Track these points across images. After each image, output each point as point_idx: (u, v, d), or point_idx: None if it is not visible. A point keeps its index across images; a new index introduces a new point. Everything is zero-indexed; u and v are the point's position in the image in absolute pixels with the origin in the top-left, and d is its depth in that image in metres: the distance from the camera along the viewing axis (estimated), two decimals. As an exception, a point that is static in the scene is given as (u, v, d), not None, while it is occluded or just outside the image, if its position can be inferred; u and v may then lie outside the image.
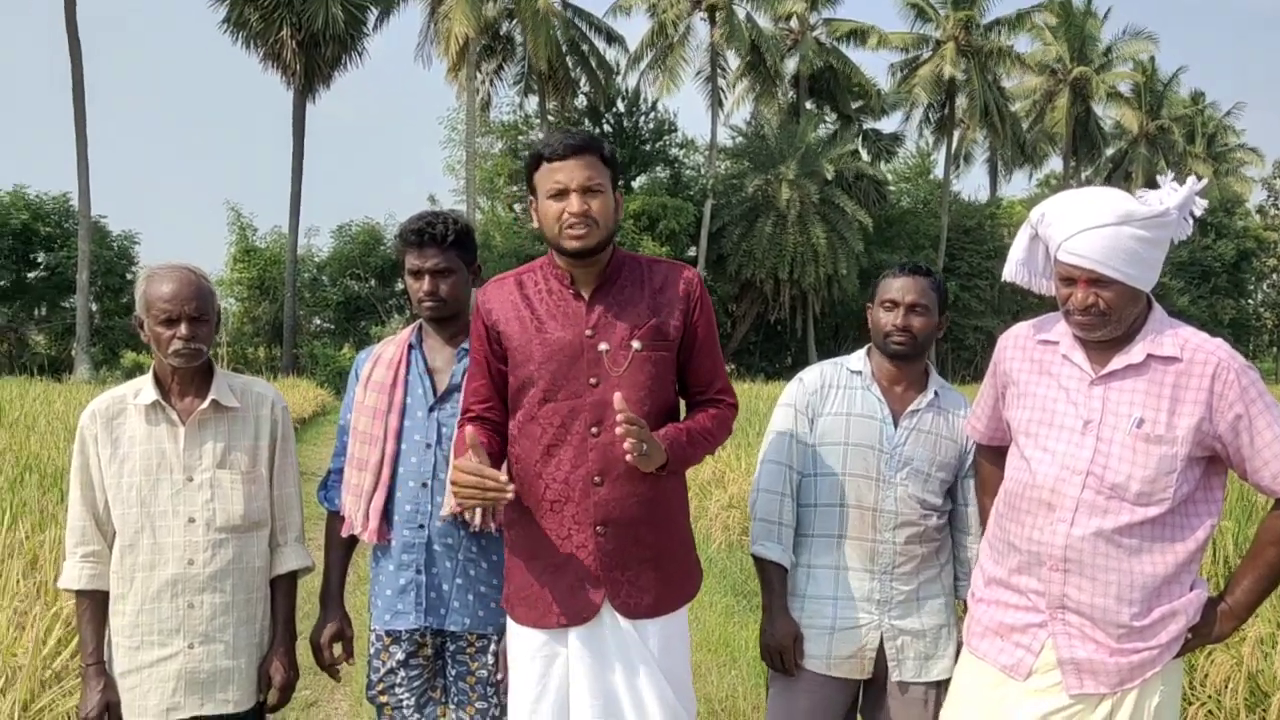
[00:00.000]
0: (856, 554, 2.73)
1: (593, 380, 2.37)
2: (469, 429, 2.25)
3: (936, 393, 2.81)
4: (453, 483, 2.20)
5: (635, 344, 2.38)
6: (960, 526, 2.84)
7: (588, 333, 2.39)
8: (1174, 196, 2.25)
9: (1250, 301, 52.04)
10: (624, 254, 2.49)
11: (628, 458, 2.22)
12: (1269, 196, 54.92)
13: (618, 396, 2.19)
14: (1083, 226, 2.21)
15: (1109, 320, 2.24)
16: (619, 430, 2.19)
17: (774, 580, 2.76)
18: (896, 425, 2.76)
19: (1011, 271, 2.47)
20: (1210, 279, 46.20)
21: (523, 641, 2.46)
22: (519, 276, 2.51)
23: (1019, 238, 2.45)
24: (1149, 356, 2.26)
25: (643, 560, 2.41)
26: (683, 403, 2.58)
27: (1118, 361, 2.28)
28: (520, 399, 2.43)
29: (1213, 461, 2.30)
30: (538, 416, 2.39)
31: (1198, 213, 2.30)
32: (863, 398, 2.80)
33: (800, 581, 2.78)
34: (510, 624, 2.51)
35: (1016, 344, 2.49)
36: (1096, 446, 2.27)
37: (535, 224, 2.43)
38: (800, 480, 2.81)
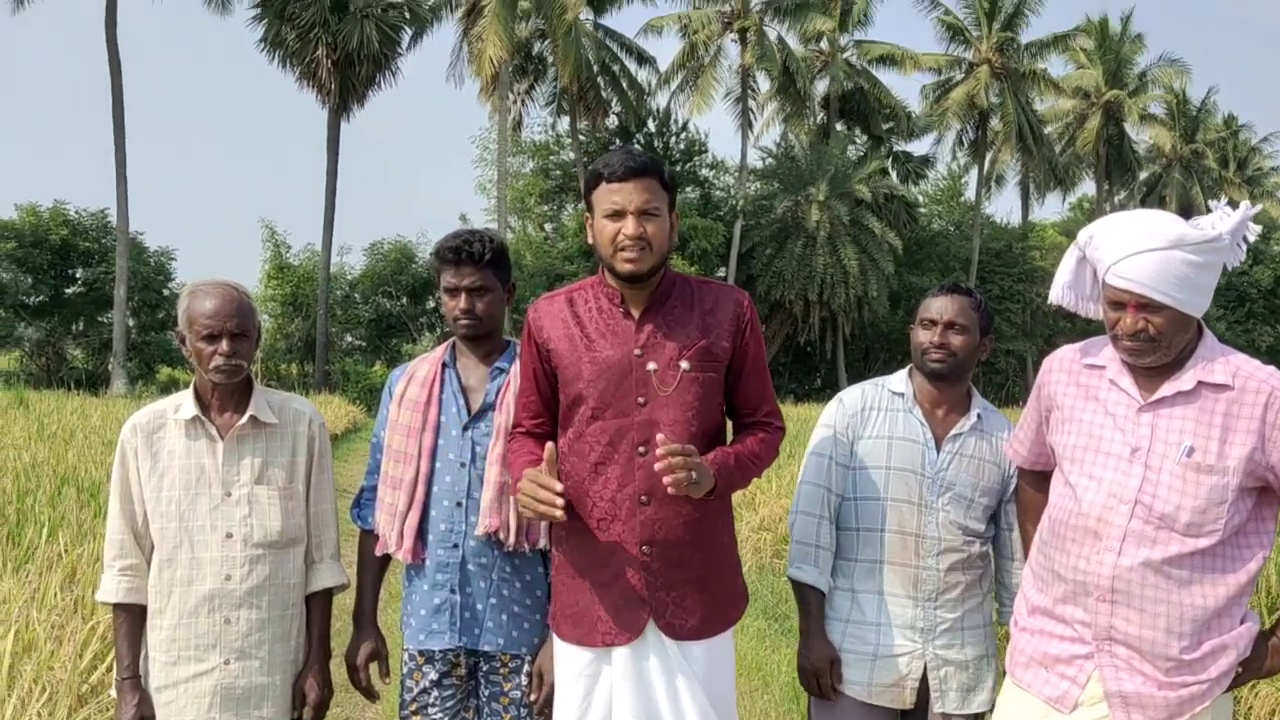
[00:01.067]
0: (899, 580, 2.69)
1: (640, 399, 2.37)
2: (549, 445, 2.31)
3: (980, 415, 2.78)
4: (519, 492, 2.28)
5: (684, 364, 2.37)
6: (1004, 552, 2.80)
7: (636, 352, 2.39)
8: (1226, 221, 2.20)
9: (1288, 327, 51.24)
10: (675, 274, 2.49)
11: (670, 489, 2.21)
12: (1306, 220, 54.19)
13: (661, 436, 2.20)
14: (1133, 250, 2.17)
15: (1159, 346, 2.20)
16: (659, 466, 2.18)
17: (811, 603, 2.73)
18: (939, 449, 2.73)
19: (1058, 295, 2.43)
20: (1246, 304, 45.60)
21: (568, 661, 2.45)
22: (570, 294, 2.51)
23: (1066, 260, 2.41)
24: (1200, 384, 2.21)
25: (688, 581, 2.40)
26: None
27: (1168, 388, 2.23)
28: (571, 417, 2.44)
29: (1265, 492, 2.25)
30: (586, 434, 2.39)
31: (1251, 238, 2.26)
32: (904, 420, 2.76)
33: (843, 606, 2.74)
34: (556, 642, 2.50)
35: (1062, 367, 2.45)
36: (1145, 475, 2.22)
37: (590, 240, 2.44)
38: (840, 504, 2.78)
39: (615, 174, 2.34)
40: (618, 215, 2.34)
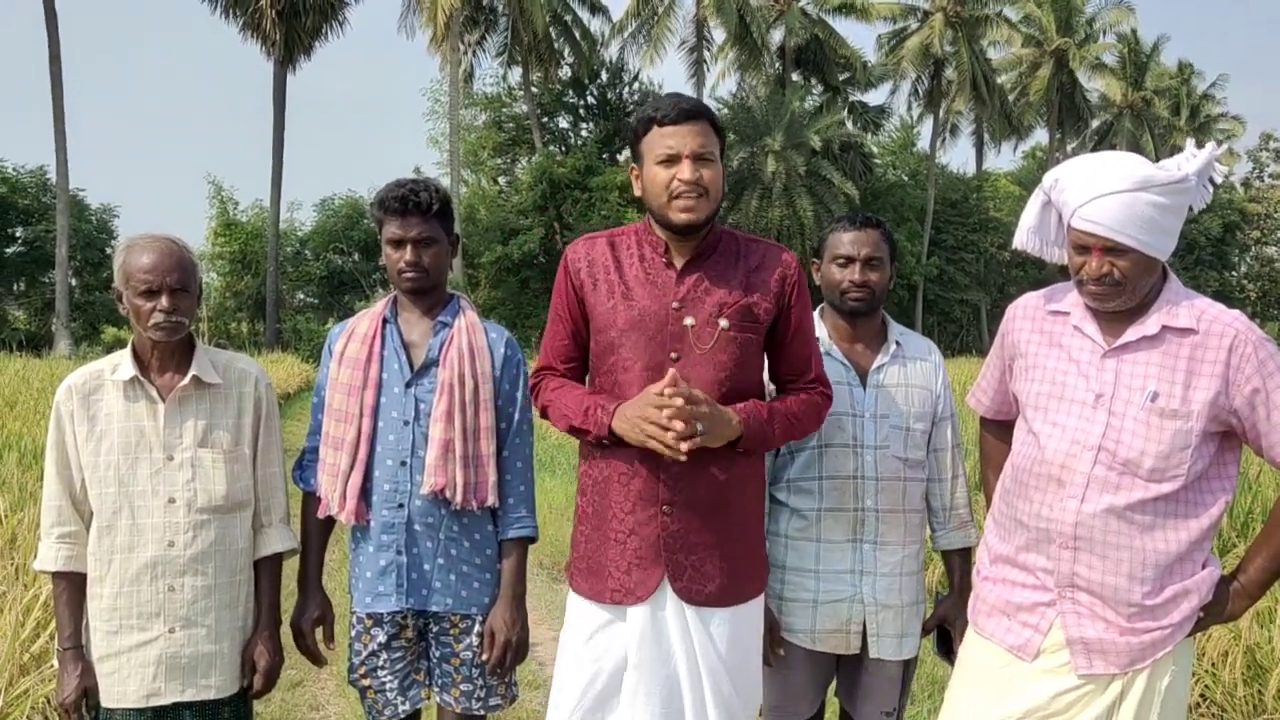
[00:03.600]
0: (839, 525, 2.65)
1: (674, 354, 2.30)
2: (672, 372, 2.17)
3: (898, 342, 2.74)
4: (639, 419, 2.18)
5: (722, 322, 2.30)
6: (932, 474, 2.77)
7: (674, 305, 2.32)
8: (1193, 162, 2.16)
9: (1234, 274, 52.28)
10: (723, 229, 2.42)
11: (671, 441, 2.15)
12: (1254, 168, 55.11)
13: (671, 373, 2.11)
14: (1099, 192, 2.12)
15: (1124, 290, 2.16)
16: (666, 414, 2.11)
17: None
18: (865, 385, 2.68)
19: (1022, 239, 2.38)
20: (1195, 251, 46.37)
21: (580, 621, 2.41)
22: (612, 238, 2.45)
23: (1030, 204, 2.36)
24: (1164, 328, 2.18)
25: (709, 546, 2.34)
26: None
27: (1132, 333, 2.20)
28: (601, 366, 2.38)
29: (1227, 436, 2.23)
30: (617, 385, 2.32)
31: (1217, 179, 2.22)
32: (826, 364, 2.69)
33: (778, 553, 2.69)
34: (570, 601, 2.46)
35: (1025, 314, 2.41)
36: (1109, 421, 2.19)
37: (639, 192, 2.36)
38: (774, 460, 2.72)
39: (668, 117, 2.26)
40: (672, 160, 2.27)
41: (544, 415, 2.48)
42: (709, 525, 2.33)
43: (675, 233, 2.32)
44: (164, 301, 2.38)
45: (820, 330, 2.74)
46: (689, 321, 2.29)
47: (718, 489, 2.33)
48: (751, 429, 2.26)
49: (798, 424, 2.38)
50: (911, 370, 2.71)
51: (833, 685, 2.83)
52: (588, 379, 2.48)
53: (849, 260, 2.67)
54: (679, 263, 2.35)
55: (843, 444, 2.64)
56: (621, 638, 2.35)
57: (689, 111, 2.27)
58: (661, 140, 2.27)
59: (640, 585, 2.32)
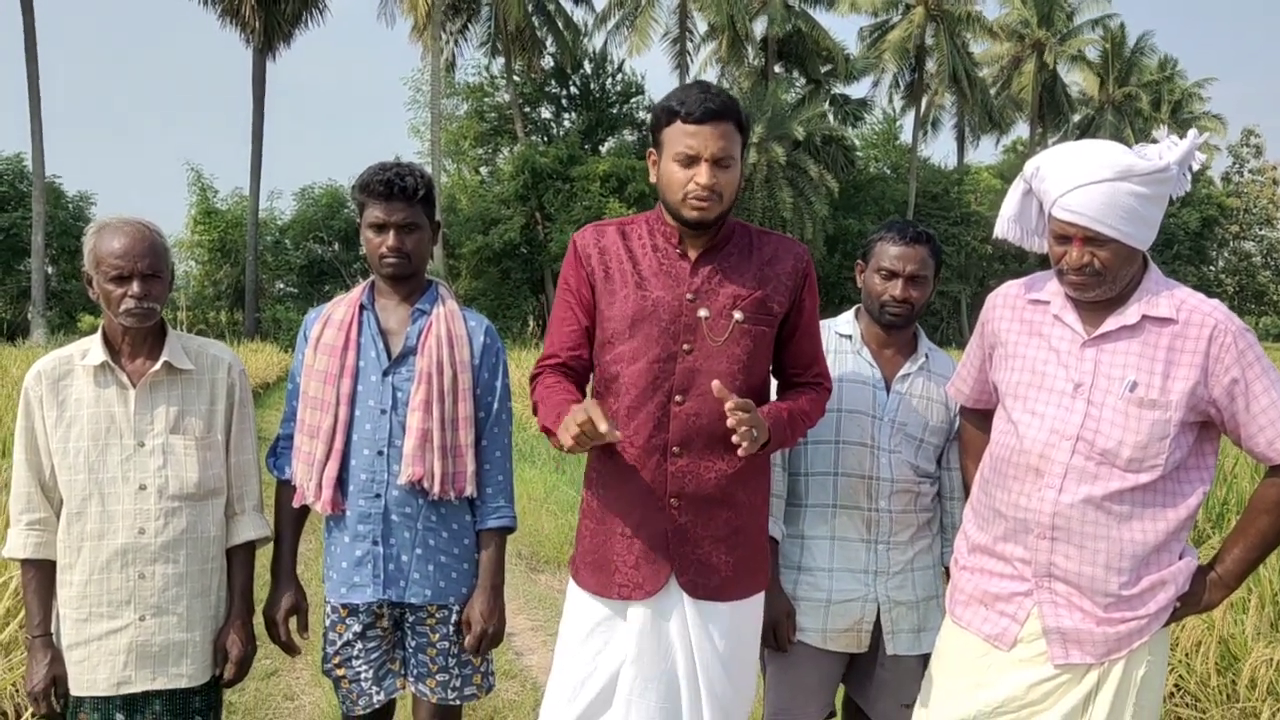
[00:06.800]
0: (852, 524, 2.64)
1: (686, 347, 2.27)
2: (589, 401, 2.06)
3: (927, 355, 2.73)
4: (564, 431, 2.05)
5: (737, 314, 2.27)
6: (944, 492, 2.77)
7: (689, 296, 2.28)
8: (1173, 151, 2.16)
9: (1212, 269, 52.69)
10: (735, 221, 2.38)
11: (740, 450, 2.10)
12: (1234, 163, 55.50)
13: (716, 384, 2.06)
14: (1079, 182, 2.11)
15: (1104, 280, 2.16)
16: (730, 422, 2.05)
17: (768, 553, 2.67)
18: (889, 390, 2.67)
19: (1003, 229, 2.37)
20: (1174, 246, 46.71)
21: (581, 615, 2.38)
22: (622, 227, 2.40)
23: (1011, 193, 2.35)
24: (1144, 318, 2.18)
25: (716, 539, 2.32)
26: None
27: (1111, 323, 2.20)
28: (604, 355, 2.34)
29: (1206, 427, 2.23)
30: (621, 376, 2.29)
31: (1196, 168, 2.22)
32: (854, 361, 2.70)
33: (794, 553, 2.68)
34: (570, 594, 2.44)
35: (1006, 303, 2.41)
36: (1087, 410, 2.19)
37: (654, 179, 2.31)
38: (791, 449, 2.71)
39: (693, 115, 2.18)
40: (691, 161, 2.20)
41: (535, 413, 2.40)
42: (716, 518, 2.31)
43: (687, 226, 2.29)
44: (135, 287, 2.33)
45: (854, 330, 2.74)
46: (703, 313, 2.25)
47: (725, 481, 2.31)
48: (775, 434, 2.23)
49: (808, 421, 2.37)
50: (934, 386, 2.70)
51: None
52: (594, 375, 2.43)
53: (892, 274, 2.64)
54: (693, 254, 2.31)
55: (859, 442, 2.63)
56: (621, 633, 2.34)
57: (715, 112, 2.18)
58: (683, 137, 2.19)
59: (648, 580, 2.30)
